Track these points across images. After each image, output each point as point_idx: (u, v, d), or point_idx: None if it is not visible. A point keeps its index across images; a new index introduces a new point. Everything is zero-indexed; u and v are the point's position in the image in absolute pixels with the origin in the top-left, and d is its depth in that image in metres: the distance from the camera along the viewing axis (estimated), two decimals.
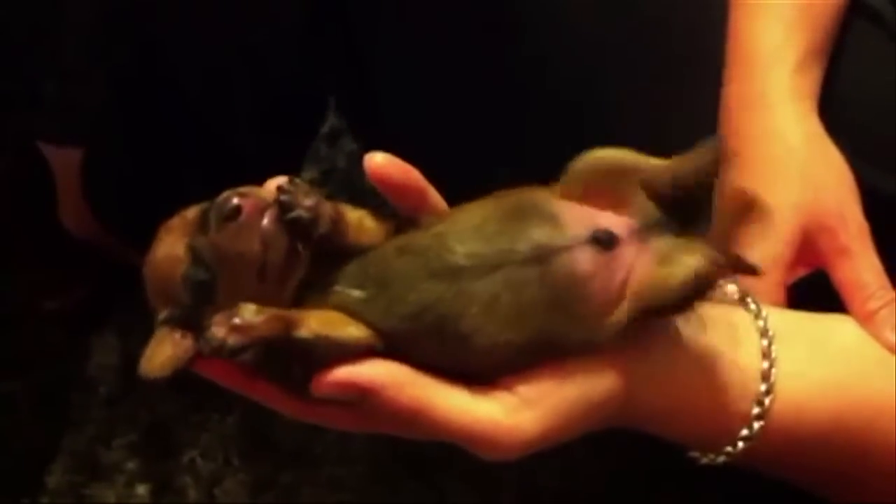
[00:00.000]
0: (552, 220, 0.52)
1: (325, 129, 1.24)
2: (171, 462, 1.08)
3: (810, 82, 0.69)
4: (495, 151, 0.80)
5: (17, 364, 1.11)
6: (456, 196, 0.55)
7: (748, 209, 0.54)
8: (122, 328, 1.14)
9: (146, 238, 1.07)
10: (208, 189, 0.93)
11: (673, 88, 0.76)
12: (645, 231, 0.52)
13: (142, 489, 1.07)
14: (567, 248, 0.51)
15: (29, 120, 1.12)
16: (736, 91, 0.70)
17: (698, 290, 0.51)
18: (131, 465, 1.08)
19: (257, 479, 1.07)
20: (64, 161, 1.09)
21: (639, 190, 0.53)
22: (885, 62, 0.73)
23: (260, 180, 0.94)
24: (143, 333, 1.16)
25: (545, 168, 0.76)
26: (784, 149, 0.67)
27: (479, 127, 0.80)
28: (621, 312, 0.51)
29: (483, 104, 0.79)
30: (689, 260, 0.51)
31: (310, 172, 1.24)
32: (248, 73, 0.86)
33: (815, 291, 0.65)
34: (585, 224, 0.52)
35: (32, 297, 1.12)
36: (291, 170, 1.01)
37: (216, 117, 0.91)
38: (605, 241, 0.51)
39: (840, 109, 0.71)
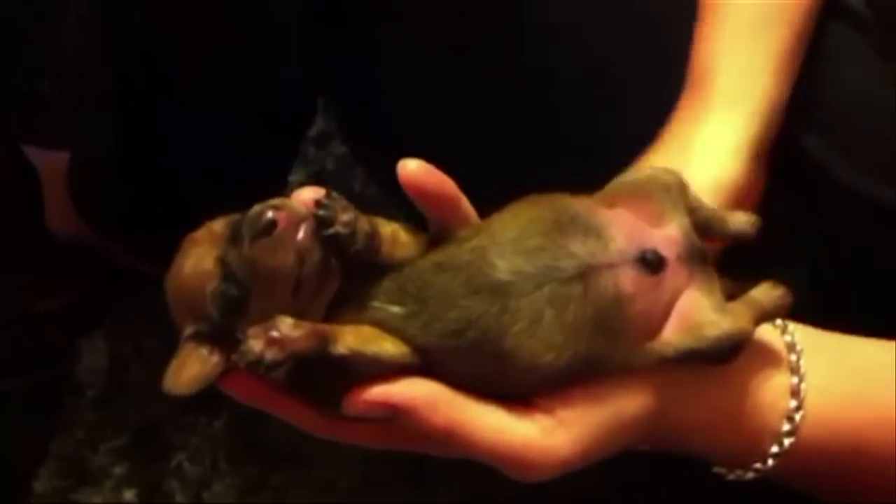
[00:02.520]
0: (596, 233, 0.51)
1: (313, 131, 1.24)
2: (159, 466, 1.08)
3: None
4: (495, 153, 0.79)
5: (7, 366, 1.09)
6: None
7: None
8: (111, 331, 1.14)
9: (136, 240, 1.06)
10: (201, 190, 0.92)
11: (673, 88, 0.76)
12: (691, 258, 0.52)
13: (129, 494, 1.07)
14: (612, 266, 0.50)
15: (25, 120, 1.11)
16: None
17: (730, 350, 0.52)
18: (119, 470, 1.08)
19: (246, 483, 1.07)
20: (50, 166, 1.08)
21: (684, 213, 0.53)
22: (865, 65, 0.73)
23: (250, 180, 0.94)
24: (131, 336, 1.15)
25: (546, 169, 0.76)
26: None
27: (478, 129, 0.79)
28: (664, 344, 0.51)
29: (482, 106, 0.79)
30: (724, 322, 0.52)
31: (298, 175, 1.23)
32: (242, 73, 0.86)
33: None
34: (633, 240, 0.51)
35: (24, 299, 1.11)
36: (282, 171, 1.01)
37: (209, 118, 0.90)
38: (652, 263, 0.51)
39: (821, 113, 0.71)
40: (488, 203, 0.55)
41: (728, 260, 0.59)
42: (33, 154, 1.08)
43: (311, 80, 0.88)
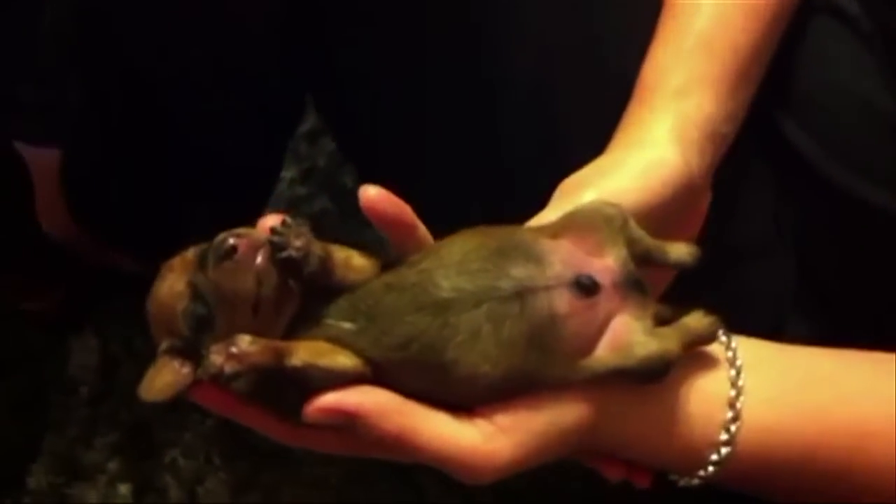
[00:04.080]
0: (537, 259, 0.54)
1: (305, 128, 1.25)
2: (153, 462, 1.09)
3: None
4: (467, 155, 0.80)
5: None
6: (432, 199, 0.57)
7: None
8: (102, 329, 1.15)
9: (126, 239, 1.06)
10: (191, 188, 0.93)
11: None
12: (626, 285, 0.55)
13: (123, 489, 1.08)
14: (548, 288, 0.53)
15: (7, 121, 1.12)
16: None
17: (658, 370, 0.54)
18: (112, 465, 1.09)
19: (238, 479, 1.08)
20: (42, 163, 1.09)
21: (623, 244, 0.55)
22: (853, 62, 0.74)
23: (240, 177, 0.94)
24: (122, 334, 1.15)
25: (517, 173, 0.77)
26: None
27: (452, 134, 0.80)
28: (595, 360, 0.54)
29: (455, 110, 0.80)
30: (652, 344, 0.54)
31: (290, 171, 1.25)
32: (227, 71, 0.87)
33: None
34: (570, 266, 0.54)
35: (12, 298, 1.12)
36: (272, 168, 1.02)
37: (196, 116, 0.91)
38: (587, 287, 0.54)
39: (808, 109, 0.72)
40: (459, 200, 0.56)
41: (726, 248, 0.59)
42: (27, 152, 1.09)
43: (299, 77, 0.89)
